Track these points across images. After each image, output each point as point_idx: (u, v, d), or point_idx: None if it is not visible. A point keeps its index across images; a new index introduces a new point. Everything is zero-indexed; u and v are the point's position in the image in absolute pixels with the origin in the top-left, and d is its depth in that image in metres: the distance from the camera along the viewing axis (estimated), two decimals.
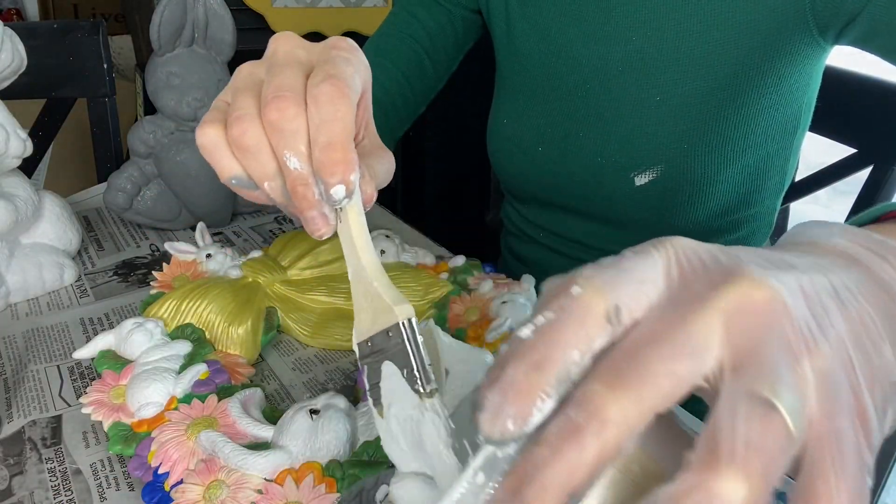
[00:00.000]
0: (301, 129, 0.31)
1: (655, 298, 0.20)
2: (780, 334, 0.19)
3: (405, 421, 0.29)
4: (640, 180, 0.65)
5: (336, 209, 0.32)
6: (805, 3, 0.56)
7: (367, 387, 0.31)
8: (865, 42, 0.56)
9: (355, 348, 0.32)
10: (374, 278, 0.31)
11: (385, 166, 0.37)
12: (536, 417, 0.19)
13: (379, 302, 0.31)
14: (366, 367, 0.31)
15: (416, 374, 0.29)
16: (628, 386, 0.18)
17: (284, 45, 0.35)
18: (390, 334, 0.30)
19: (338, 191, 0.31)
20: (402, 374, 0.29)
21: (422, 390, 0.29)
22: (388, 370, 0.30)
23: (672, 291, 0.20)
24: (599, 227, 0.71)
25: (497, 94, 0.78)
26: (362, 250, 0.32)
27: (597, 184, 0.68)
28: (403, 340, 0.29)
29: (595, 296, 0.19)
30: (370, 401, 0.31)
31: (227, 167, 0.34)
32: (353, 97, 0.32)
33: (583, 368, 0.19)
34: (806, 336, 0.19)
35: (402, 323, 0.30)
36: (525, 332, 0.20)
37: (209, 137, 0.33)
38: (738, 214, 0.69)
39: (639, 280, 0.20)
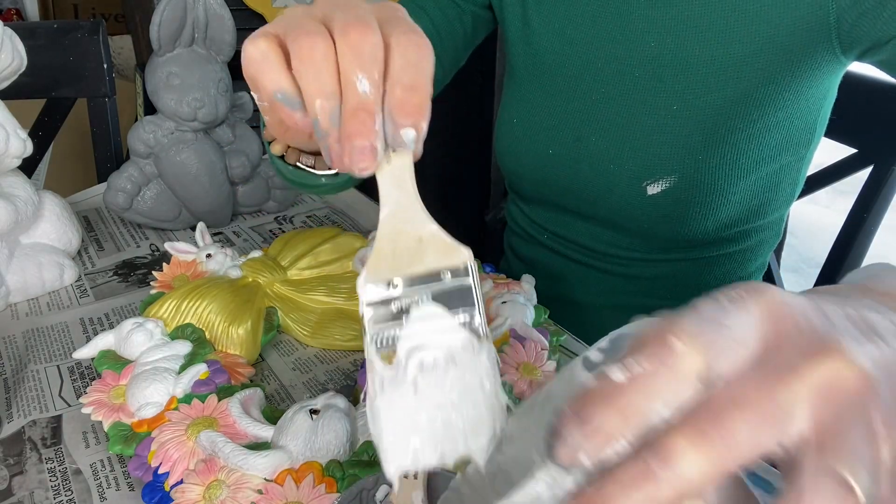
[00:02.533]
0: (379, 57, 0.30)
1: (748, 359, 0.21)
2: (866, 418, 0.20)
3: (428, 359, 0.28)
4: (653, 189, 0.64)
5: (388, 149, 0.31)
6: (831, 22, 0.55)
7: (371, 331, 0.29)
8: (891, 67, 0.55)
9: (362, 292, 0.29)
10: (428, 219, 0.31)
11: None
12: (610, 456, 0.20)
13: (436, 243, 0.30)
14: (372, 310, 0.29)
15: (479, 315, 0.28)
16: (709, 445, 0.19)
17: None
18: (444, 276, 0.29)
19: (408, 133, 0.30)
20: (459, 314, 0.28)
21: (482, 332, 0.28)
22: (428, 311, 0.28)
23: (764, 354, 0.21)
24: (606, 232, 0.70)
25: (507, 92, 0.76)
26: (414, 191, 0.31)
27: (607, 190, 0.66)
28: (471, 279, 0.29)
29: (692, 354, 0.20)
30: (373, 348, 0.28)
31: (275, 80, 0.32)
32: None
33: (663, 419, 0.20)
34: (889, 422, 0.20)
35: (469, 261, 0.29)
36: (617, 374, 0.20)
37: (260, 49, 0.31)
38: (748, 225, 0.68)
39: (736, 341, 0.21)
